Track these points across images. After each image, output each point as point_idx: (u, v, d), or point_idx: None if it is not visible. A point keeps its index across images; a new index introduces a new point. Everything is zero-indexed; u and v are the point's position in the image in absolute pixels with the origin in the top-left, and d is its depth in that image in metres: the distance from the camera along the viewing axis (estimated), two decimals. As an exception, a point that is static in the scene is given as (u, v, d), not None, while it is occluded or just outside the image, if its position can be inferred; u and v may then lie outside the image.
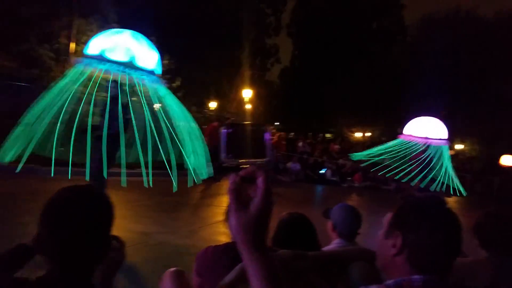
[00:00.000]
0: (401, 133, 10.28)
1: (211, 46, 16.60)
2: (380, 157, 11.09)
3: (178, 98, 14.56)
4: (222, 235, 4.97)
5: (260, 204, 0.79)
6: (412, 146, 10.74)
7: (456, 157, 24.17)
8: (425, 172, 9.26)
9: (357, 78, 25.60)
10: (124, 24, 11.37)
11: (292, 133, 18.97)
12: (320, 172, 14.98)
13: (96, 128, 3.84)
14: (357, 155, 10.94)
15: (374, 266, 1.75)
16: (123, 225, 5.81)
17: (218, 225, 5.79)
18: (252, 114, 17.70)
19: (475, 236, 2.31)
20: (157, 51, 4.42)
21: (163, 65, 13.00)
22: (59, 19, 12.21)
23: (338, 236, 2.50)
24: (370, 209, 9.38)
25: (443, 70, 24.74)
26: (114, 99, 3.85)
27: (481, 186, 17.32)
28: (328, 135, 25.43)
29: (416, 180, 8.72)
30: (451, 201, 13.51)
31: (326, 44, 27.47)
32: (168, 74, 13.14)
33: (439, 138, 10.88)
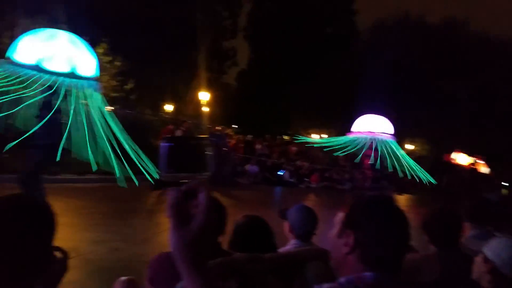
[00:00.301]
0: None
1: (166, 48, 16.32)
2: (323, 144, 11.41)
3: (132, 101, 14.20)
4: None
5: (201, 221, 0.75)
6: (358, 141, 11.15)
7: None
8: (377, 168, 9.59)
9: (312, 81, 26.13)
10: (73, 24, 10.95)
11: (250, 136, 19.00)
12: (278, 173, 15.10)
13: (32, 137, 3.63)
14: (301, 139, 11.13)
15: (329, 265, 1.75)
16: (72, 234, 5.51)
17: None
18: (209, 117, 17.56)
19: (424, 232, 2.38)
20: (94, 53, 4.24)
21: (115, 67, 12.67)
22: (2, 18, 11.54)
23: (295, 237, 2.50)
24: (327, 209, 9.54)
25: (394, 73, 25.81)
26: (49, 105, 3.65)
27: (431, 184, 18.10)
28: (285, 137, 25.73)
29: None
30: (403, 199, 14.08)
31: (282, 48, 27.83)
32: (121, 76, 12.79)
33: (384, 132, 11.31)
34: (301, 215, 2.52)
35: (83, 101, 3.80)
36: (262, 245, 2.09)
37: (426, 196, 14.82)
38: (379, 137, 11.36)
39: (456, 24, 28.44)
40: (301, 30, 28.16)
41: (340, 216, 1.26)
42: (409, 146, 26.09)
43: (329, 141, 12.51)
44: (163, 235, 5.52)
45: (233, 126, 25.16)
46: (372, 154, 10.66)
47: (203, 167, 1.87)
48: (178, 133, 12.75)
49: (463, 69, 25.09)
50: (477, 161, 13.69)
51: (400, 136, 26.92)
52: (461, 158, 13.95)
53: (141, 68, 14.67)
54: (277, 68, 27.49)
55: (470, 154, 14.10)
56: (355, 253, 1.16)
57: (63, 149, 3.86)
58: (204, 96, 17.01)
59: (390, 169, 12.14)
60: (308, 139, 14.30)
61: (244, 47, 30.81)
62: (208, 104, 18.14)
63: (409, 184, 17.48)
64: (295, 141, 13.94)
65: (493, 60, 24.99)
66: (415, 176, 11.23)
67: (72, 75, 3.61)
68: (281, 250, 2.37)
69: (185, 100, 19.84)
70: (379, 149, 10.58)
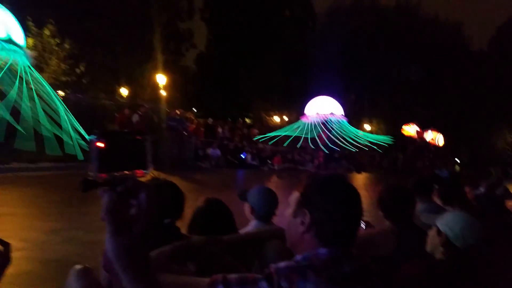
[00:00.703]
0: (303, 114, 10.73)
1: (119, 29, 15.65)
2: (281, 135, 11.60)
3: (84, 84, 13.61)
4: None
5: (142, 225, 0.69)
6: (311, 126, 11.38)
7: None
8: (332, 148, 9.87)
9: (271, 63, 26.15)
10: (18, 5, 10.24)
11: (211, 119, 18.81)
12: (240, 156, 15.08)
13: None
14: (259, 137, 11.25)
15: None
16: (27, 224, 5.35)
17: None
18: (167, 100, 17.10)
19: (379, 208, 2.44)
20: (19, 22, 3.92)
21: (65, 50, 12.03)
22: None
23: (255, 218, 2.50)
24: (289, 190, 9.65)
25: (349, 55, 26.33)
26: None
27: (388, 162, 18.81)
28: (247, 120, 25.72)
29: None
30: (361, 177, 14.50)
31: (240, 30, 27.56)
32: (71, 59, 12.17)
33: (333, 113, 11.61)
34: (261, 196, 2.52)
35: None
36: (221, 228, 2.08)
37: (382, 174, 15.35)
38: (331, 118, 11.63)
39: (408, 7, 29.30)
40: (258, 12, 27.95)
41: (295, 195, 1.27)
42: (367, 127, 26.93)
43: (286, 130, 12.72)
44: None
45: (193, 109, 24.78)
46: (327, 138, 10.90)
47: (142, 164, 1.79)
48: (135, 118, 12.37)
49: (415, 52, 25.98)
50: (431, 132, 14.29)
51: (358, 117, 27.83)
52: (412, 130, 14.58)
53: (93, 50, 14.03)
54: (236, 50, 27.24)
55: (422, 128, 14.69)
56: (311, 232, 1.17)
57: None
58: (161, 79, 16.52)
59: (343, 149, 12.45)
60: (271, 134, 14.41)
61: (201, 29, 30.24)
62: (166, 87, 17.66)
63: (367, 163, 18.09)
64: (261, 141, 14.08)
65: (442, 42, 26.04)
66: (369, 144, 11.68)
67: (9, 41, 3.34)
68: (242, 231, 2.37)
69: (142, 84, 19.26)
70: (332, 129, 10.83)
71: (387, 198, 2.41)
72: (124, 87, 18.02)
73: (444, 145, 15.20)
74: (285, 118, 27.26)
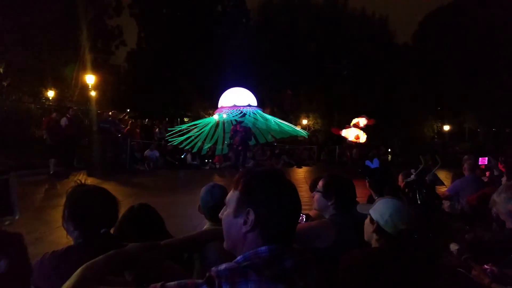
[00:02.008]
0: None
1: (41, 27, 14.62)
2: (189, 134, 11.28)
3: (5, 87, 12.61)
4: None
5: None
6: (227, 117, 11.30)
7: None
8: (247, 140, 9.87)
9: (205, 60, 25.92)
10: None
11: (147, 120, 18.27)
12: (180, 157, 14.81)
13: None
14: (172, 139, 10.90)
15: None
16: None
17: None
18: (98, 101, 16.31)
19: (324, 197, 2.47)
20: None
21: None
22: None
23: (210, 218, 2.46)
24: (231, 187, 9.66)
25: (283, 50, 26.85)
26: None
27: (325, 155, 19.48)
28: (186, 120, 25.28)
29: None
30: (301, 171, 14.89)
31: (172, 26, 26.97)
32: (-13, 60, 11.20)
33: (248, 105, 11.64)
34: (205, 193, 2.46)
35: None
36: (149, 235, 1.98)
37: (321, 167, 15.87)
38: (246, 109, 11.60)
39: (337, 2, 30.44)
40: (190, 7, 27.52)
41: (233, 194, 1.23)
42: (304, 121, 27.69)
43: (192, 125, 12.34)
44: (56, 233, 5.01)
45: (127, 110, 23.91)
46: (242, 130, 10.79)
47: (7, 209, 1.62)
48: (64, 121, 11.68)
49: (345, 46, 27.08)
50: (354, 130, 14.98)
51: (296, 112, 28.49)
52: (350, 133, 15.18)
53: (13, 50, 13.00)
54: (169, 47, 26.62)
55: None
56: (255, 231, 1.15)
57: None
58: (90, 79, 15.69)
59: (257, 141, 12.36)
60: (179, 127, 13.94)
61: (131, 25, 29.15)
62: (96, 87, 16.84)
63: (306, 157, 18.63)
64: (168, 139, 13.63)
65: (368, 37, 27.38)
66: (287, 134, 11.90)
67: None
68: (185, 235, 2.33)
69: (69, 84, 18.19)
70: (247, 122, 10.80)
71: (342, 188, 2.42)
72: (50, 89, 16.92)
73: (371, 138, 16.06)
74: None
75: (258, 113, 12.26)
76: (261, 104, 27.91)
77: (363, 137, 15.24)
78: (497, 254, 2.47)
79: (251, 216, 1.15)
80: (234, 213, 1.20)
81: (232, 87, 14.29)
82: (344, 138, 15.75)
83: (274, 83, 27.02)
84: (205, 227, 2.44)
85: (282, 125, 12.59)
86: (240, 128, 10.08)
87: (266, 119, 12.45)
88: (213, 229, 1.99)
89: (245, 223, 1.16)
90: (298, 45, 27.30)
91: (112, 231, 1.87)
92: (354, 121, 15.49)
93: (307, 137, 13.14)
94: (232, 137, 10.50)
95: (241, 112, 11.43)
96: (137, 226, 2.09)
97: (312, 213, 2.98)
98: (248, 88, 23.13)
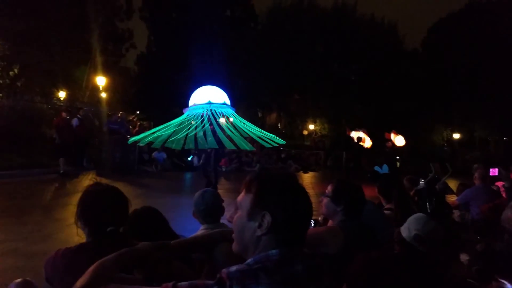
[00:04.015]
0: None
1: (54, 29, 14.82)
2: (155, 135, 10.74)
3: (19, 87, 12.83)
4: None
5: None
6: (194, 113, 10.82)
7: (309, 137, 26.77)
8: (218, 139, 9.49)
9: (214, 64, 26.02)
10: None
11: (153, 122, 18.42)
12: (187, 159, 14.87)
13: None
14: (132, 139, 10.51)
15: None
16: None
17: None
18: (108, 103, 16.48)
19: (333, 202, 2.48)
20: None
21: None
22: None
23: (201, 223, 2.53)
24: (237, 190, 9.66)
25: (290, 55, 26.85)
26: None
27: (332, 161, 19.38)
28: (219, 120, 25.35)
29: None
30: (308, 176, 14.86)
31: (181, 30, 27.14)
32: (3, 61, 11.37)
33: (223, 102, 11.17)
34: (198, 197, 2.55)
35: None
36: (156, 234, 2.02)
37: (328, 172, 15.81)
38: (216, 108, 11.11)
39: (346, 8, 30.37)
40: (199, 11, 27.68)
41: (246, 197, 1.22)
42: (311, 126, 27.63)
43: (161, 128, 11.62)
44: (65, 231, 5.09)
45: (136, 112, 24.09)
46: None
47: None
48: (75, 122, 11.82)
49: (353, 51, 26.97)
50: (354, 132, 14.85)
51: (302, 117, 28.42)
52: (358, 135, 15.05)
53: (27, 51, 13.19)
54: (178, 50, 26.78)
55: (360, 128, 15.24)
56: (270, 234, 1.14)
57: None
58: (100, 80, 15.89)
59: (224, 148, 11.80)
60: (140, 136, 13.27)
61: (141, 28, 29.45)
62: (106, 89, 17.05)
63: (313, 162, 18.58)
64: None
65: (377, 42, 27.26)
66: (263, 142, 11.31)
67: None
68: (192, 236, 2.36)
69: (81, 86, 18.40)
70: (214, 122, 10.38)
71: (350, 194, 2.41)
72: (61, 89, 17.13)
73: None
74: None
75: (231, 114, 11.73)
76: (268, 109, 27.87)
77: (368, 142, 15.07)
78: (510, 266, 2.45)
79: (267, 220, 1.14)
80: (248, 216, 1.19)
81: (239, 90, 14.26)
82: (352, 140, 15.58)
83: (281, 87, 27.03)
84: (199, 230, 2.47)
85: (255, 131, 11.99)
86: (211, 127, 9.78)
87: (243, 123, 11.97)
88: (221, 231, 2.01)
89: (259, 226, 1.16)
90: (305, 49, 27.29)
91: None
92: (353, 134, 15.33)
93: (282, 143, 12.46)
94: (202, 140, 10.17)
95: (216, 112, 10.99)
96: (141, 229, 2.13)
97: (320, 218, 2.99)
98: (255, 92, 23.15)
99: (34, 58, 13.73)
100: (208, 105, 10.88)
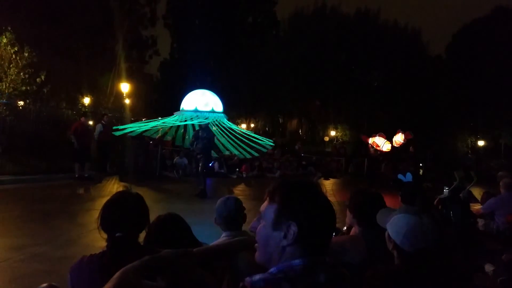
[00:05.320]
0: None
1: (79, 37, 15.24)
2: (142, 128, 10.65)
3: (45, 94, 13.13)
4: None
5: None
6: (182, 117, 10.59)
7: (331, 143, 26.58)
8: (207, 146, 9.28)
9: (236, 70, 26.21)
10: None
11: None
12: (208, 165, 14.94)
13: None
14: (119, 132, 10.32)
15: None
16: None
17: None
18: (131, 109, 16.80)
19: (351, 213, 2.46)
20: None
21: (23, 58, 11.62)
22: None
23: (222, 230, 2.51)
24: (258, 197, 9.66)
25: (313, 61, 26.79)
26: None
27: (353, 167, 19.15)
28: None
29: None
30: (329, 183, 14.72)
31: (204, 37, 27.47)
32: (31, 68, 11.74)
33: (211, 110, 10.90)
34: (224, 206, 2.52)
35: None
36: (179, 242, 2.04)
37: (349, 179, 15.62)
38: (209, 114, 10.87)
39: (368, 14, 30.16)
40: (222, 18, 27.97)
41: (270, 207, 1.20)
42: (333, 132, 27.43)
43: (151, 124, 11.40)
44: (89, 236, 5.15)
45: (158, 118, 24.42)
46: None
47: None
48: (99, 128, 12.07)
49: (376, 57, 26.72)
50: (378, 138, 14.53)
51: (324, 123, 28.27)
52: (379, 141, 14.76)
53: (53, 58, 13.59)
54: (200, 57, 27.10)
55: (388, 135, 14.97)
56: (295, 244, 1.13)
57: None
58: (124, 87, 16.20)
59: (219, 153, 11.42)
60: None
61: (165, 36, 29.96)
62: (130, 95, 17.36)
63: (334, 169, 18.42)
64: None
65: (401, 48, 26.94)
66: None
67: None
68: (214, 243, 2.36)
69: (105, 92, 18.81)
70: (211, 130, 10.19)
71: (361, 203, 2.40)
72: (86, 95, 17.56)
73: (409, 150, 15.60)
74: (252, 125, 27.40)
75: (222, 121, 11.44)
76: (289, 115, 27.75)
77: (385, 146, 14.71)
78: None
79: (293, 230, 1.12)
80: (273, 226, 1.17)
81: (260, 96, 14.22)
82: (369, 148, 15.31)
83: (303, 93, 26.96)
84: (221, 237, 2.48)
85: (246, 135, 11.59)
86: (202, 135, 9.66)
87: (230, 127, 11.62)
88: (244, 239, 2.01)
89: (285, 236, 1.14)
90: (327, 56, 27.18)
91: (141, 238, 1.94)
92: (371, 140, 15.02)
93: (269, 147, 11.82)
94: (192, 144, 10.01)
95: (206, 118, 10.74)
96: (164, 235, 2.13)
97: (344, 228, 2.97)
98: (276, 97, 23.06)
99: (60, 65, 14.12)
100: (194, 113, 10.81)
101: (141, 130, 10.87)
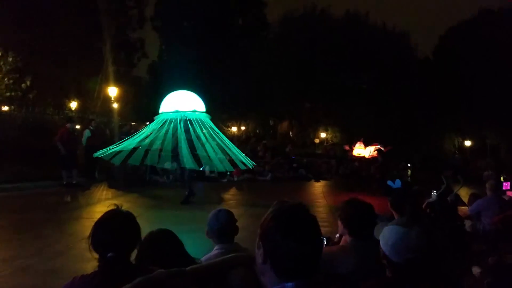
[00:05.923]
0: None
1: (65, 40, 15.05)
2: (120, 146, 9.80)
3: (30, 99, 12.97)
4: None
5: None
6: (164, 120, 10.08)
7: (321, 145, 26.69)
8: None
9: (226, 72, 26.17)
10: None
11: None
12: (199, 169, 14.85)
13: None
14: (98, 153, 9.43)
15: (253, 270, 1.75)
16: None
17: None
18: (119, 113, 16.60)
19: (342, 224, 2.47)
20: None
21: (8, 63, 11.45)
22: None
23: (215, 242, 2.50)
24: (248, 202, 9.62)
25: (302, 64, 26.90)
26: None
27: (344, 169, 19.23)
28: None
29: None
30: (319, 185, 14.76)
31: (193, 39, 27.37)
32: (15, 73, 11.58)
33: (193, 110, 10.57)
34: (213, 219, 2.52)
35: None
36: (173, 259, 2.04)
37: (339, 180, 15.69)
38: (190, 114, 10.52)
39: (357, 17, 30.36)
40: (211, 20, 27.90)
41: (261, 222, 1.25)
42: (323, 134, 27.55)
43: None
44: (79, 247, 5.06)
45: (147, 123, 24.26)
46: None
47: None
48: (86, 133, 11.95)
49: (365, 60, 26.92)
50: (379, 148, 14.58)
51: (314, 125, 28.35)
52: (359, 150, 14.83)
53: (39, 63, 13.41)
54: (189, 59, 27.00)
55: (371, 143, 15.04)
56: (267, 264, 1.18)
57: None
58: (112, 91, 15.98)
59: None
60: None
61: (153, 38, 29.78)
62: (118, 99, 17.18)
63: (325, 171, 18.48)
64: None
65: (389, 51, 27.18)
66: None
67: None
68: (205, 257, 2.34)
69: (92, 96, 18.62)
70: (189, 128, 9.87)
71: (352, 215, 2.41)
72: (73, 100, 17.36)
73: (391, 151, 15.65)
74: (243, 127, 27.39)
75: (202, 117, 10.88)
76: (280, 117, 27.77)
77: (361, 151, 14.74)
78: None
79: (261, 251, 1.20)
80: (257, 244, 1.24)
81: (253, 99, 14.08)
82: (351, 155, 15.38)
83: (293, 95, 27.05)
84: (214, 250, 2.46)
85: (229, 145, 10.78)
86: (187, 137, 9.49)
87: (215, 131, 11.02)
88: (237, 256, 2.00)
89: (261, 254, 1.21)
90: (317, 58, 27.31)
91: (133, 255, 1.92)
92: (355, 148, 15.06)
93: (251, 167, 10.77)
94: (174, 151, 9.74)
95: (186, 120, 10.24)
96: (156, 253, 2.11)
97: (336, 236, 2.98)
98: (267, 100, 23.03)
99: (45, 69, 13.93)
100: (176, 114, 10.36)
101: (124, 156, 9.81)
